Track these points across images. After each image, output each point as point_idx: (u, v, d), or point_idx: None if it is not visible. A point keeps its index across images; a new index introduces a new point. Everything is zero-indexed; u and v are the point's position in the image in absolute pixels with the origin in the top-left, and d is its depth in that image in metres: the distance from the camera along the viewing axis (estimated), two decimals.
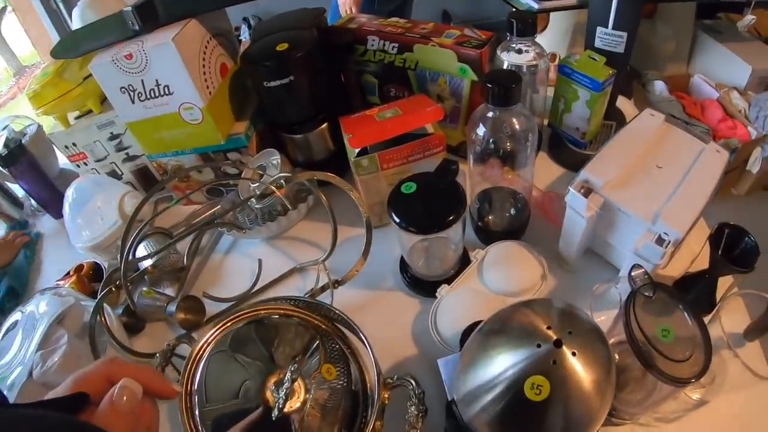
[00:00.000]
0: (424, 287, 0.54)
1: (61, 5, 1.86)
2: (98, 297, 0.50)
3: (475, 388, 0.35)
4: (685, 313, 0.38)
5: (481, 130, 0.47)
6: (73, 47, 0.57)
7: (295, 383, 0.40)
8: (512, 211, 0.58)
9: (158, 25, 0.54)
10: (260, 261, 0.60)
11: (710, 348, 0.37)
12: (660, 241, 0.44)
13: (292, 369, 0.39)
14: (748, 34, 1.55)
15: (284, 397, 0.38)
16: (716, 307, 0.46)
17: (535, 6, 0.99)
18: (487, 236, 0.56)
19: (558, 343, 0.31)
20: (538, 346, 0.31)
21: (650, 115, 0.55)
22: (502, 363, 0.33)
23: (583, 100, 0.62)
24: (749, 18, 1.40)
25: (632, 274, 0.39)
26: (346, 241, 0.62)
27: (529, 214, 0.56)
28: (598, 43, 0.62)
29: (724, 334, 0.42)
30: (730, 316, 0.44)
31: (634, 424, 0.46)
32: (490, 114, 0.46)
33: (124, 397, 0.28)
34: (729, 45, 1.48)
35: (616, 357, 0.43)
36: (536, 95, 0.64)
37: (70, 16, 1.89)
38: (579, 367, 0.31)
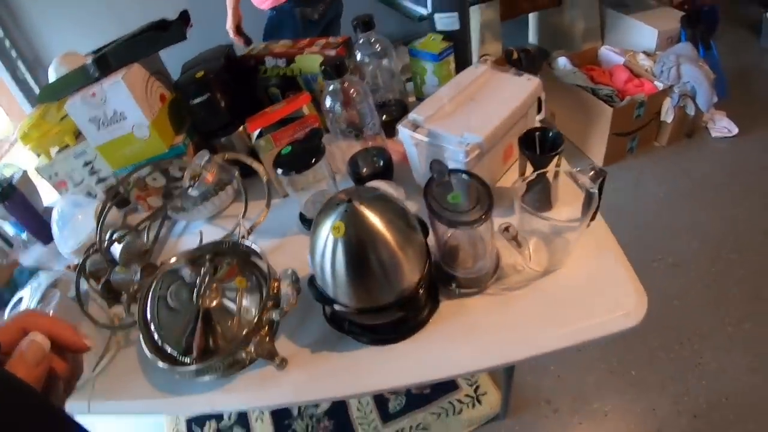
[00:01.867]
0: None
1: (27, 75, 2.34)
2: (81, 260, 0.81)
3: (317, 258, 0.62)
4: (466, 176, 0.63)
5: (328, 101, 0.80)
6: (52, 95, 0.93)
7: (213, 287, 0.68)
8: (380, 162, 0.89)
9: (111, 71, 0.89)
10: (201, 232, 0.92)
11: (491, 194, 0.58)
12: (467, 146, 0.70)
13: (204, 269, 0.69)
14: (655, 2, 1.92)
15: (198, 288, 0.67)
16: (531, 176, 0.65)
17: (425, 12, 1.36)
18: (364, 183, 0.87)
19: (349, 201, 0.59)
20: (337, 205, 0.60)
21: (475, 67, 0.86)
22: (324, 230, 0.61)
23: (430, 71, 0.95)
24: None
25: (431, 164, 0.65)
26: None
27: (389, 158, 0.88)
28: (439, 26, 0.96)
29: (559, 221, 0.63)
30: (574, 207, 0.64)
31: (483, 295, 0.69)
32: (331, 87, 0.79)
33: (31, 349, 0.34)
34: (636, 15, 1.85)
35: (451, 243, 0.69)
36: (399, 81, 0.98)
37: (36, 83, 2.36)
38: (366, 211, 0.58)
